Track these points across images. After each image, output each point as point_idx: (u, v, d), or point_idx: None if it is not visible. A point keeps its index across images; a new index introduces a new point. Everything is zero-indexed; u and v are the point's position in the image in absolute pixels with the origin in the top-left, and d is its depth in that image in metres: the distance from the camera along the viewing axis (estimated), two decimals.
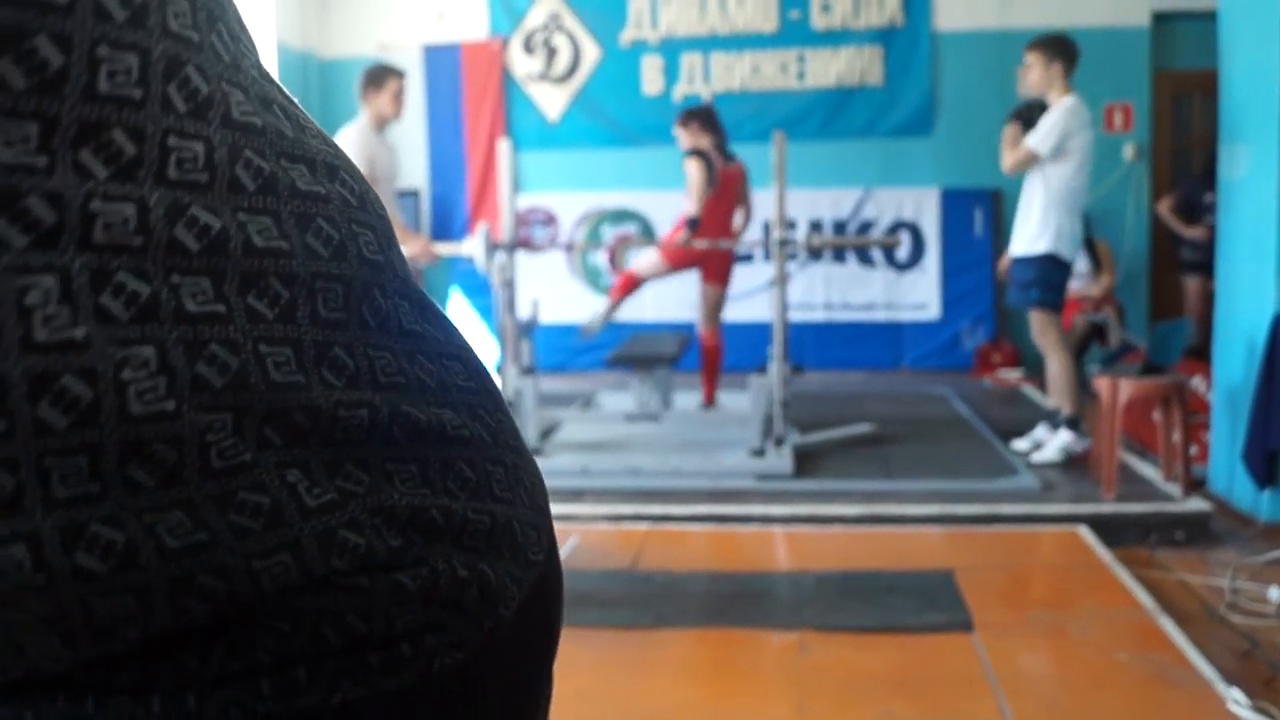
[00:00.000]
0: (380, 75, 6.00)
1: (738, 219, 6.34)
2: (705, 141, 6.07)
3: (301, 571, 0.50)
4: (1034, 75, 5.40)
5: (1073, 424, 5.52)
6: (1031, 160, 5.31)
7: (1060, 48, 5.36)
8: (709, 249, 6.07)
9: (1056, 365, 5.48)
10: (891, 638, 3.42)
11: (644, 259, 6.45)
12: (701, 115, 6.19)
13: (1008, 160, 5.42)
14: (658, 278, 6.44)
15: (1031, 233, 5.39)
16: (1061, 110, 5.28)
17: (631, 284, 6.39)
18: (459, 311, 9.33)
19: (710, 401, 6.50)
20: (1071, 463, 5.42)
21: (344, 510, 0.51)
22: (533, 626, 0.62)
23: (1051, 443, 5.54)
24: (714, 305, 6.40)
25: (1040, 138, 5.26)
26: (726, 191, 6.14)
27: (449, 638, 0.55)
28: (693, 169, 6.00)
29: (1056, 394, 5.58)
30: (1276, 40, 4.60)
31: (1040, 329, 5.47)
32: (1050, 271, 5.37)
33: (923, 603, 3.68)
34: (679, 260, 6.27)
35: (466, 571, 0.56)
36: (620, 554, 4.30)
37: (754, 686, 3.11)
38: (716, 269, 6.32)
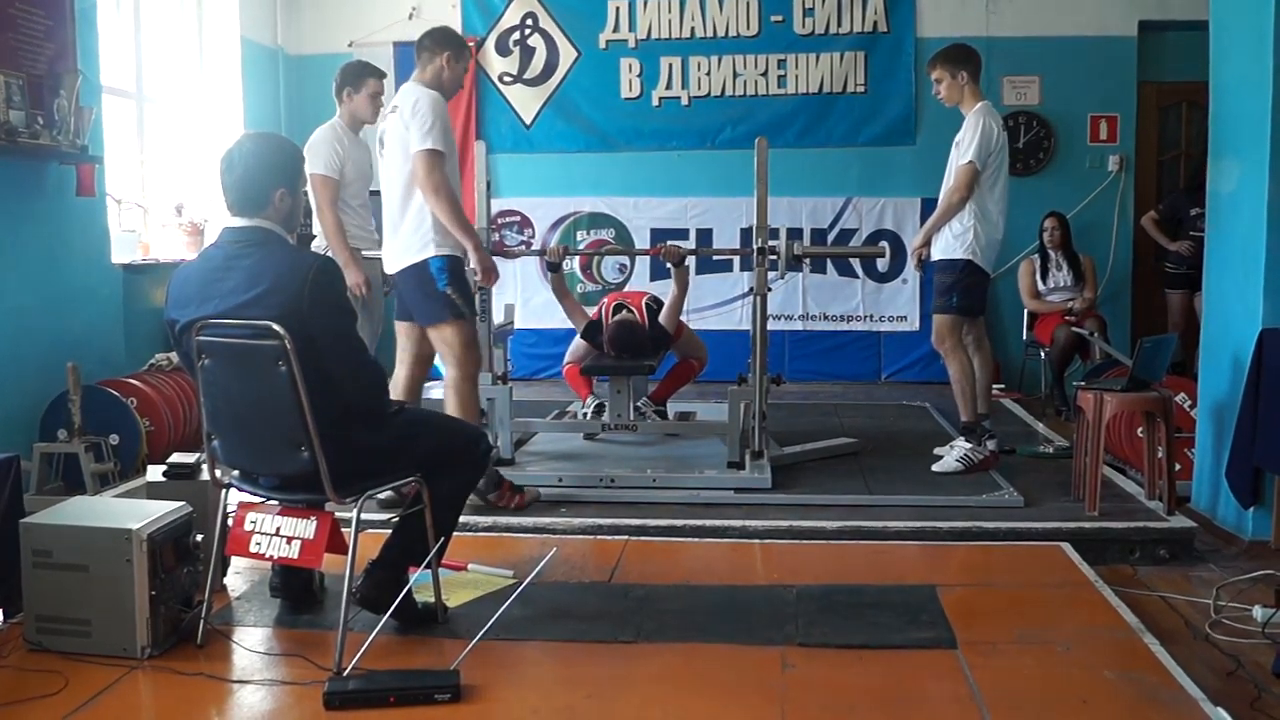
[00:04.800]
0: (358, 75, 5.82)
1: None
2: None
3: None
4: (943, 90, 5.50)
5: (969, 431, 5.51)
6: (974, 175, 5.30)
7: (960, 58, 5.46)
8: None
9: (956, 371, 5.49)
10: (875, 654, 3.37)
11: None
12: None
13: (956, 194, 5.35)
14: None
15: (950, 240, 5.41)
16: (978, 115, 5.35)
17: None
18: None
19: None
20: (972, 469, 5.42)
21: None
22: None
23: (950, 454, 5.50)
24: None
25: (971, 149, 5.29)
26: None
27: None
28: None
29: (960, 399, 5.55)
30: (1269, 52, 4.55)
31: (944, 333, 5.47)
32: (969, 277, 5.40)
33: (906, 619, 3.63)
34: None
35: None
36: (599, 567, 4.24)
37: (736, 704, 3.05)
38: None
